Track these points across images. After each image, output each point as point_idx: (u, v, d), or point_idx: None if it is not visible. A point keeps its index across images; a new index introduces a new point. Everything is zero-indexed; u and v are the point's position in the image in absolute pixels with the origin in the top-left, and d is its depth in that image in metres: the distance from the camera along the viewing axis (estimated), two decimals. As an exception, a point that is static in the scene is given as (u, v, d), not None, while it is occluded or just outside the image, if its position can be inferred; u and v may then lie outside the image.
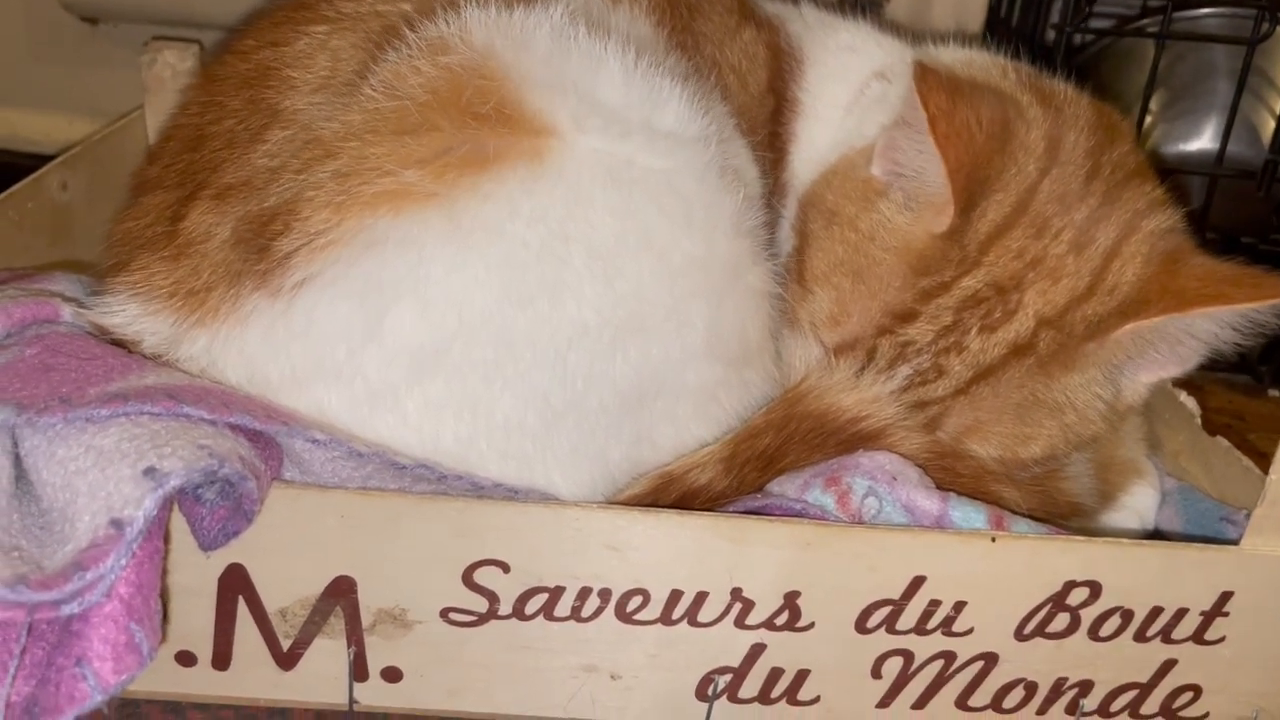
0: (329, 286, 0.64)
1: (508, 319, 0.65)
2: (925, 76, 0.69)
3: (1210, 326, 0.70)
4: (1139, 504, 0.85)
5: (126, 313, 0.68)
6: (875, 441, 0.73)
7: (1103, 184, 0.75)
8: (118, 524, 0.49)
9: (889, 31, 0.91)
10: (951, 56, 0.84)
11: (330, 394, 0.65)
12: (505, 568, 0.67)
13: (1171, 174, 0.83)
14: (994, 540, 0.67)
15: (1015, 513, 0.71)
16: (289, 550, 0.65)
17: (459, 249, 0.64)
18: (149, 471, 0.50)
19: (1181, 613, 0.69)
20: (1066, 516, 0.78)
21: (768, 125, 0.84)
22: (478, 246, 0.64)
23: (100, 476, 0.51)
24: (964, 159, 0.70)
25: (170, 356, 0.66)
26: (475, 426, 0.66)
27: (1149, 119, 1.29)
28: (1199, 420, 0.90)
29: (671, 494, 0.72)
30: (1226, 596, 0.68)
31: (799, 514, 0.70)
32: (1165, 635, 0.69)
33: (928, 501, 0.69)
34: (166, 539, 0.59)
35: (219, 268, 0.67)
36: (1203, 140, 1.34)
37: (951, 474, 0.73)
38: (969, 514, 0.69)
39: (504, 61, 0.68)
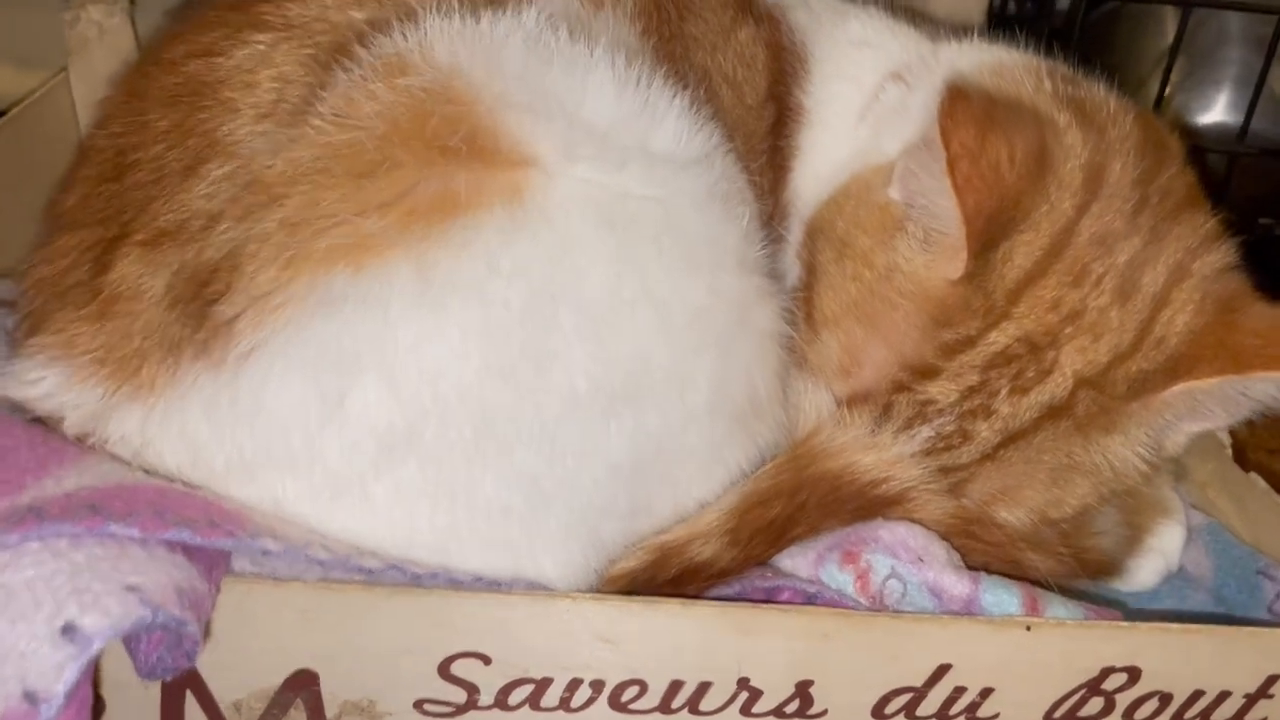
0: (279, 357, 0.55)
1: (488, 392, 0.57)
2: (954, 108, 0.60)
3: (1270, 390, 0.64)
4: (1165, 545, 0.79)
5: (45, 383, 0.58)
6: (896, 506, 0.66)
7: (1150, 217, 0.67)
8: (32, 698, 0.41)
9: (903, 20, 0.82)
10: (976, 58, 0.75)
11: (285, 482, 0.57)
12: (486, 660, 0.60)
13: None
14: (1029, 629, 0.61)
15: (1047, 586, 0.65)
16: (242, 646, 0.58)
17: (430, 312, 0.56)
18: (68, 630, 0.42)
19: (1224, 695, 0.63)
20: (1095, 576, 0.72)
21: (768, 138, 0.75)
22: (452, 309, 0.56)
23: (9, 631, 0.43)
24: (984, 204, 0.62)
25: (98, 436, 0.58)
26: (454, 514, 0.58)
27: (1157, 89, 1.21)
28: (1229, 450, 0.84)
29: (671, 569, 0.65)
30: (1273, 680, 0.63)
31: (814, 597, 0.63)
32: (1204, 718, 0.64)
33: (957, 584, 0.63)
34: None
35: (153, 331, 0.58)
36: (1216, 113, 1.27)
37: (976, 542, 0.67)
38: (1001, 597, 0.63)
39: (473, 80, 0.58)
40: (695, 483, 0.65)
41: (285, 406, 0.55)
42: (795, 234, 0.76)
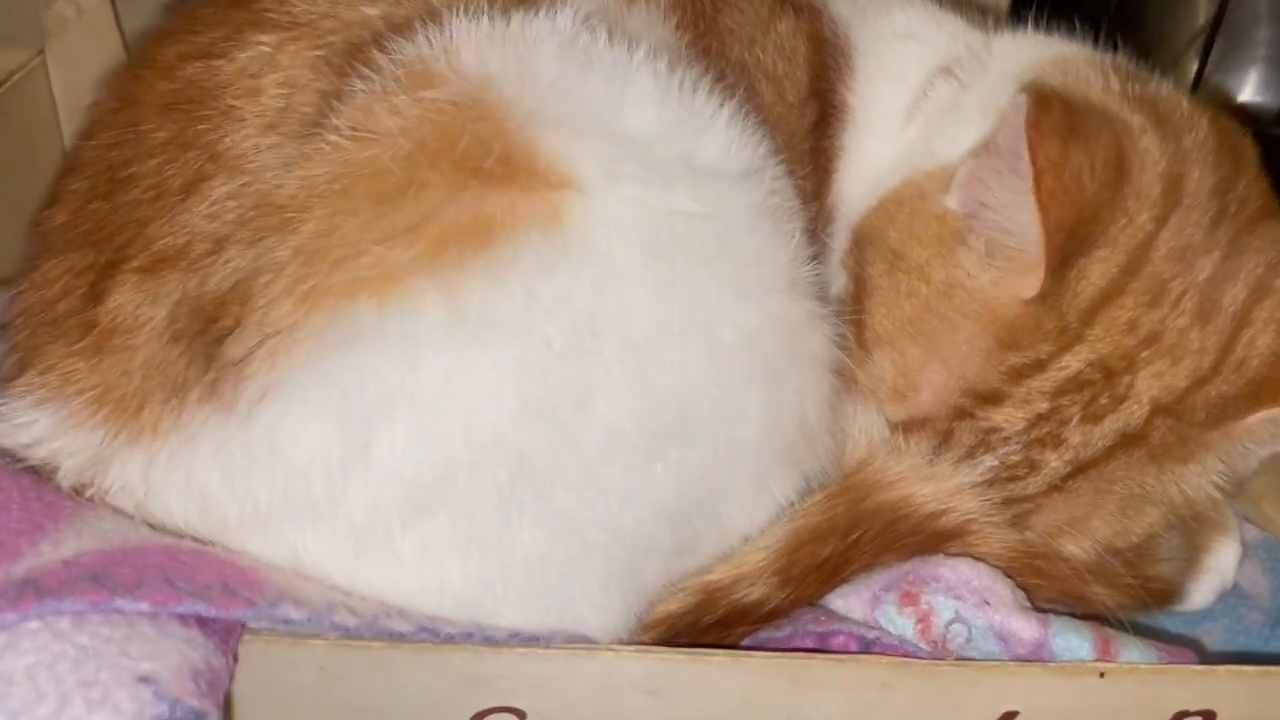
0: (297, 400, 0.50)
1: (526, 434, 0.52)
2: (1041, 118, 0.55)
3: None
4: (1222, 563, 0.75)
5: (36, 427, 0.53)
6: (956, 540, 0.62)
7: (1228, 229, 0.62)
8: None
9: (949, 9, 0.76)
10: (1034, 53, 0.70)
11: (305, 535, 0.52)
12: (521, 715, 0.55)
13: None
14: (1103, 675, 0.57)
15: (1113, 620, 0.61)
16: (257, 705, 0.54)
17: (463, 350, 0.51)
18: (74, 733, 0.37)
19: (1300, 736, 0.60)
20: (1159, 605, 0.68)
21: (809, 138, 0.70)
22: (487, 345, 0.51)
23: (8, 731, 0.38)
24: (1067, 218, 0.57)
25: (97, 485, 0.52)
26: (488, 566, 0.53)
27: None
28: (1288, 462, 0.79)
29: (716, 611, 0.60)
30: (1355, 720, 0.59)
31: (871, 643, 0.59)
32: (1279, 759, 0.60)
33: (1025, 628, 0.59)
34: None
35: (155, 369, 0.52)
36: (1247, 92, 1.22)
37: (1041, 576, 0.63)
38: (1072, 641, 0.59)
39: (505, 93, 0.53)
40: (741, 518, 0.61)
41: (304, 453, 0.50)
42: (840, 242, 0.71)
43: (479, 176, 0.51)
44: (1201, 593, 0.74)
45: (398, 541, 0.52)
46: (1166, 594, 0.69)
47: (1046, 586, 0.63)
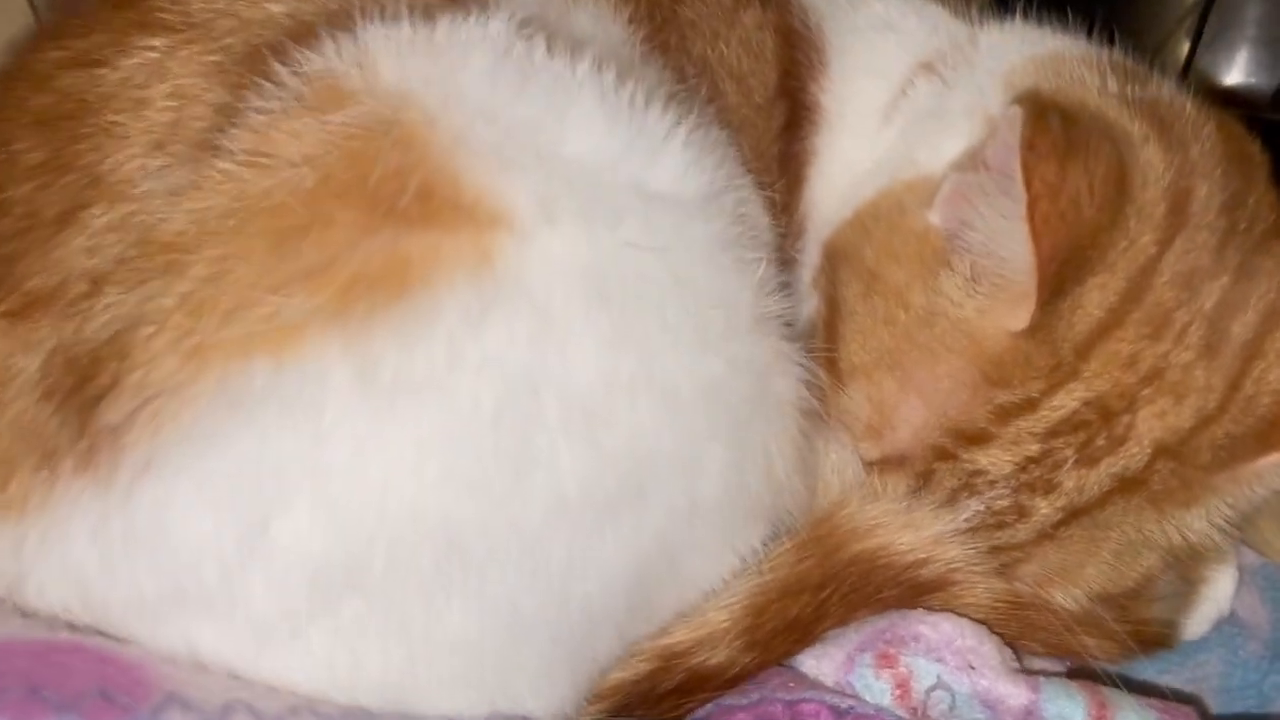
0: (183, 474, 0.44)
1: (453, 509, 0.45)
2: (1037, 137, 0.49)
3: None
4: (1218, 592, 0.70)
5: None
6: (937, 592, 0.57)
7: (1238, 251, 0.56)
8: None
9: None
10: (1024, 50, 0.63)
11: (200, 627, 0.45)
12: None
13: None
14: (1098, 747, 0.52)
15: (1112, 681, 0.56)
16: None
17: (376, 415, 0.44)
18: None
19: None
20: (1153, 649, 0.63)
21: (778, 142, 0.63)
22: (404, 411, 0.44)
23: None
24: (1062, 245, 0.51)
25: (-41, 567, 0.46)
26: (412, 653, 0.47)
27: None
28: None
29: (674, 677, 0.55)
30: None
31: (845, 713, 0.53)
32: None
33: (1013, 693, 0.54)
34: None
35: (25, 431, 0.46)
36: (1236, 74, 1.17)
37: (1028, 628, 0.57)
38: (1064, 707, 0.54)
39: (427, 114, 0.46)
40: (703, 576, 0.55)
41: (194, 537, 0.44)
42: (811, 256, 0.65)
43: (395, 214, 0.44)
44: (1197, 622, 0.69)
45: (306, 631, 0.45)
46: (1161, 638, 0.64)
47: (1033, 640, 0.58)
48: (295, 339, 0.44)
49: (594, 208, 0.46)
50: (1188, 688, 0.70)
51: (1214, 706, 0.69)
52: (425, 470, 0.44)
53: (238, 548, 0.44)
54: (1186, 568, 0.67)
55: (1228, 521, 0.58)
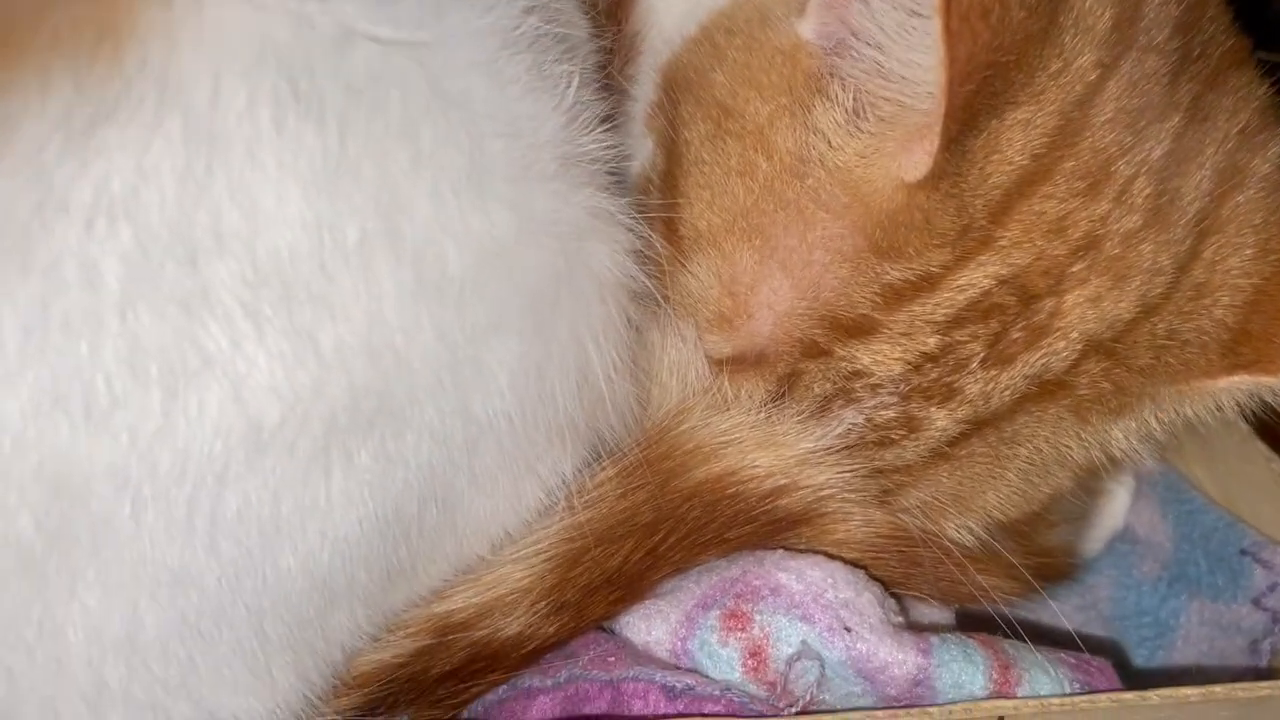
0: None
1: (67, 453, 0.29)
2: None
3: None
4: (1114, 508, 0.61)
5: None
6: (802, 527, 0.44)
7: (1192, 84, 0.43)
8: None
9: None
10: None
11: None
12: None
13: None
14: (1003, 720, 0.40)
15: (1014, 630, 0.45)
16: None
17: None
18: None
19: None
20: (1056, 582, 0.52)
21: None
22: None
23: None
24: (981, 55, 0.37)
25: None
26: (34, 661, 0.31)
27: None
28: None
29: (453, 654, 0.41)
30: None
31: (680, 694, 0.40)
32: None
33: (899, 659, 0.42)
34: None
35: None
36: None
37: (914, 568, 0.45)
38: (960, 673, 0.42)
39: None
40: (490, 521, 0.41)
41: None
42: (646, 88, 0.49)
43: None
44: (1090, 541, 0.60)
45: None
46: (1065, 569, 0.53)
47: (919, 583, 0.46)
48: None
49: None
50: (1077, 616, 0.60)
51: (1104, 635, 0.60)
52: (6, 403, 0.28)
53: None
54: (1090, 482, 0.56)
55: (1160, 433, 0.46)
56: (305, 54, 0.29)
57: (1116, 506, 0.61)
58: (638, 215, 0.40)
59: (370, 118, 0.31)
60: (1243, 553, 0.58)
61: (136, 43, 0.27)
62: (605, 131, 0.39)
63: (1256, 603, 0.57)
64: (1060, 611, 0.55)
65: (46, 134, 0.27)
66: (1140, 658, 0.58)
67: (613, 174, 0.40)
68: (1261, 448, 0.59)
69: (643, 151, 0.49)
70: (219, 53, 0.28)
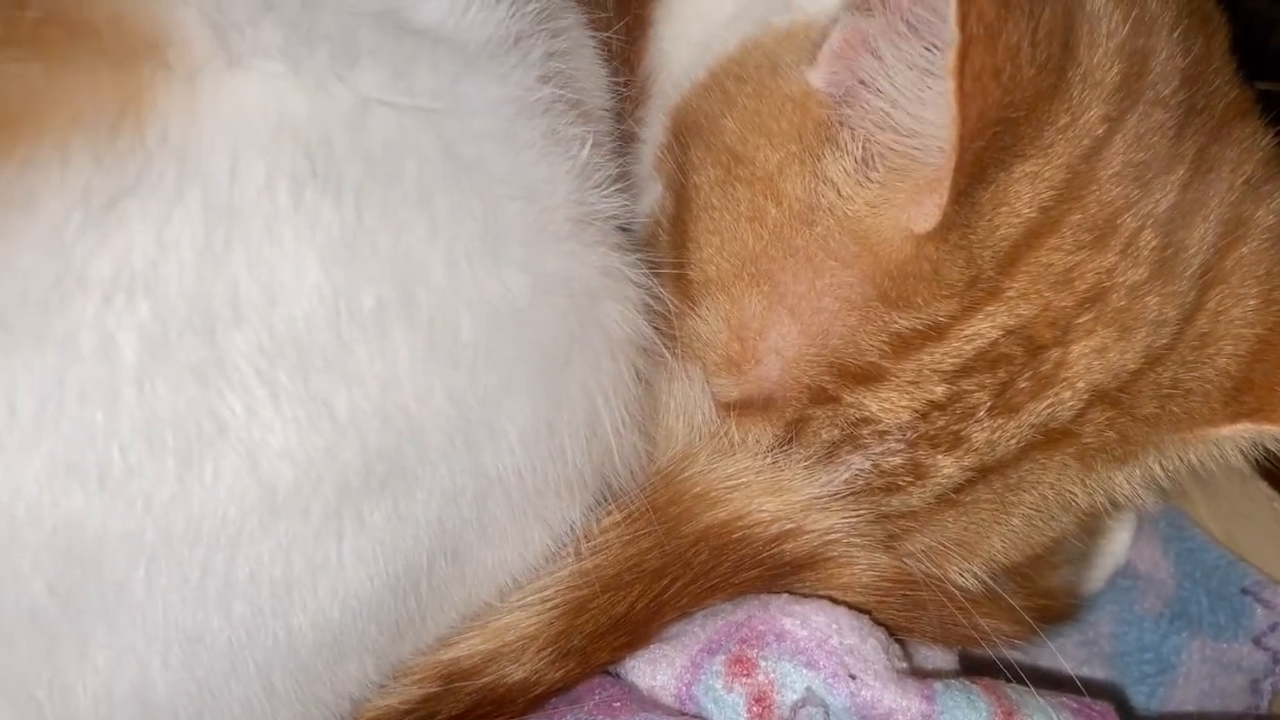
0: None
1: (63, 510, 0.29)
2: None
3: None
4: (1115, 546, 0.61)
5: None
6: (807, 571, 0.44)
7: (1197, 137, 0.43)
8: None
9: None
10: None
11: None
12: None
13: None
14: (1006, 774, 0.40)
15: (1015, 675, 0.45)
16: None
17: None
18: None
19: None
20: (1057, 623, 0.53)
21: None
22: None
23: None
24: (992, 112, 0.37)
25: None
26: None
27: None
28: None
29: (461, 699, 0.41)
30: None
31: (686, 742, 0.41)
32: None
33: (903, 706, 0.42)
34: None
35: None
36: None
37: (917, 612, 0.46)
38: (964, 716, 0.44)
39: None
40: (497, 569, 0.41)
41: None
42: (655, 130, 0.49)
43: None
44: (1092, 579, 0.60)
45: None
46: (1067, 611, 0.53)
47: (923, 627, 0.46)
48: None
49: (313, 39, 0.30)
50: (1078, 652, 0.60)
51: (1106, 673, 0.60)
52: (20, 471, 0.28)
53: None
54: (1092, 523, 0.57)
55: (1164, 481, 0.47)
56: (322, 127, 0.30)
57: (1118, 544, 0.62)
58: (648, 270, 0.40)
59: (387, 188, 0.31)
60: (1244, 592, 0.58)
61: (157, 117, 0.28)
62: (616, 189, 0.40)
63: (1257, 642, 0.58)
64: (1062, 648, 0.56)
65: (67, 208, 0.27)
66: (1141, 694, 0.59)
67: (622, 229, 0.40)
68: (1263, 487, 0.60)
69: (651, 194, 0.49)
70: (238, 128, 0.28)
